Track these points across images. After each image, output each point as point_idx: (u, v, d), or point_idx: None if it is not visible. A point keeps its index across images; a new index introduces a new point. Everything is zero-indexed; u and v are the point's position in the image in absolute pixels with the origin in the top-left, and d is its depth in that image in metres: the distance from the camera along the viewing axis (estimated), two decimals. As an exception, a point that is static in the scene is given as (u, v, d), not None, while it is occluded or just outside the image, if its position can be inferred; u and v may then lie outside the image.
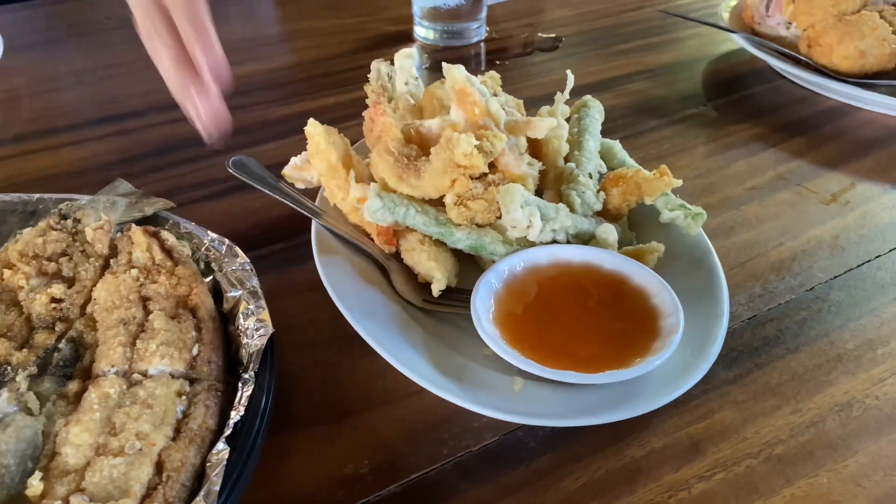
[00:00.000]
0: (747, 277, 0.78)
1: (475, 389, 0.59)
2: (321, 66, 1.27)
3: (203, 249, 0.68)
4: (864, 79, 1.11)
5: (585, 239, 0.71)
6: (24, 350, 0.57)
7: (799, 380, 0.66)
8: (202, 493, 0.46)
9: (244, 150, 0.96)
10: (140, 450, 0.49)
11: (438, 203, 0.69)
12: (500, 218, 0.68)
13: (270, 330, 0.58)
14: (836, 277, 0.78)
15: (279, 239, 0.83)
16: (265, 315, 0.60)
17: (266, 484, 0.56)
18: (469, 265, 0.72)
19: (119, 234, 0.67)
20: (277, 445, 0.58)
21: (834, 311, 0.74)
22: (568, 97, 0.77)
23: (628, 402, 0.57)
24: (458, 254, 0.71)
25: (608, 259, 0.68)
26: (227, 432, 0.50)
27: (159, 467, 0.48)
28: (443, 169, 0.66)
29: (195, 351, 0.57)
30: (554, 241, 0.69)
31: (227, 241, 0.68)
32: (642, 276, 0.66)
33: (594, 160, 0.80)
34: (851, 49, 1.10)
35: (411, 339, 0.63)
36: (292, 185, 0.80)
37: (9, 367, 0.55)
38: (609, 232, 0.70)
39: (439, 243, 0.69)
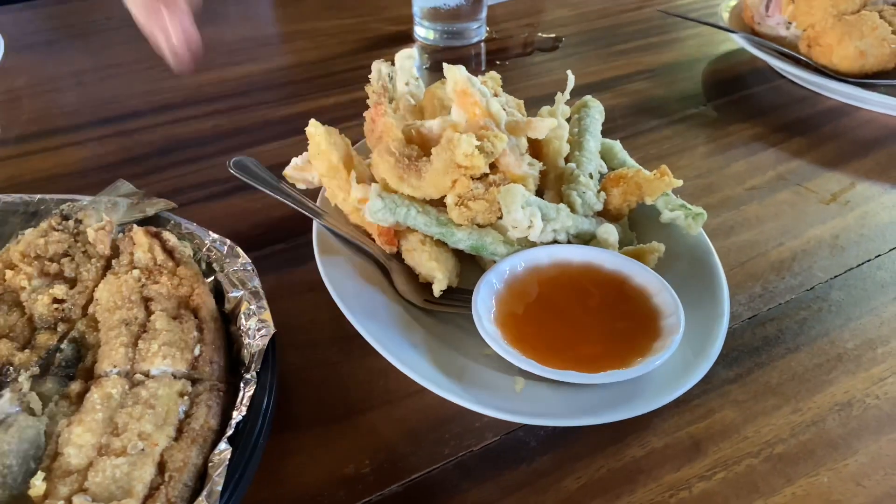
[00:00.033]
0: (747, 277, 0.78)
1: (476, 389, 0.59)
2: (322, 67, 1.27)
3: (204, 250, 0.68)
4: (863, 79, 1.11)
5: (586, 239, 0.71)
6: (27, 351, 0.58)
7: (799, 379, 0.66)
8: (204, 493, 0.46)
9: (245, 151, 0.97)
10: (142, 450, 0.49)
11: (439, 203, 0.69)
12: (500, 218, 0.68)
13: (272, 330, 0.58)
14: (836, 277, 0.78)
15: (280, 239, 0.83)
16: (267, 315, 0.60)
17: (268, 484, 0.56)
18: (470, 265, 0.72)
19: (121, 235, 0.68)
20: (279, 445, 0.58)
21: (834, 311, 0.74)
22: (568, 97, 0.78)
23: (629, 401, 0.57)
24: (459, 254, 0.71)
25: (609, 259, 0.68)
26: (229, 432, 0.51)
27: (161, 467, 0.49)
28: (444, 169, 0.66)
29: (197, 351, 0.57)
30: (555, 242, 0.69)
31: (228, 241, 0.68)
32: (643, 276, 0.66)
33: (595, 160, 0.80)
34: (851, 49, 1.10)
35: (412, 339, 0.64)
36: (293, 185, 0.80)
37: (11, 368, 0.55)
38: (610, 232, 0.70)
39: (440, 244, 0.69)
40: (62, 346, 0.58)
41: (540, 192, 0.74)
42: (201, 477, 0.49)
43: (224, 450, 0.49)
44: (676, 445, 0.60)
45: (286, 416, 0.61)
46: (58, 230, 0.68)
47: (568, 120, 0.81)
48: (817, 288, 0.77)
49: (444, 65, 0.69)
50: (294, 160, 0.79)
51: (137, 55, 1.32)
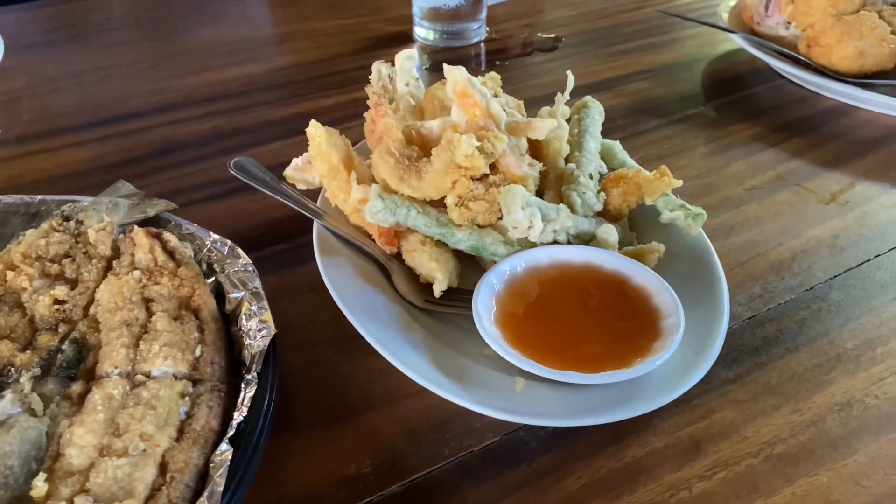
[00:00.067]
0: (747, 277, 0.78)
1: (476, 390, 0.59)
2: (321, 67, 1.27)
3: (205, 251, 0.69)
4: (863, 79, 1.12)
5: (586, 239, 0.71)
6: (28, 351, 0.58)
7: (799, 379, 0.66)
8: (206, 493, 0.47)
9: (245, 152, 0.97)
10: (144, 451, 0.49)
11: (440, 204, 0.70)
12: (501, 219, 0.68)
13: (273, 331, 0.58)
14: (835, 277, 0.78)
15: (281, 240, 0.83)
16: (267, 316, 0.60)
17: (269, 484, 0.57)
18: (470, 266, 0.73)
19: (121, 236, 0.68)
20: (280, 446, 0.58)
21: (833, 311, 0.74)
22: (568, 98, 0.78)
23: (629, 402, 0.57)
24: (459, 254, 0.71)
25: (609, 259, 0.68)
26: (230, 433, 0.51)
27: (163, 468, 0.49)
28: (444, 170, 0.66)
29: (198, 352, 0.57)
30: (555, 242, 0.70)
31: (229, 242, 0.68)
32: (643, 277, 0.66)
33: (594, 161, 0.80)
34: (850, 49, 1.10)
35: (413, 339, 0.64)
36: (294, 186, 0.80)
37: (13, 369, 0.55)
38: (610, 232, 0.70)
39: (440, 244, 0.69)
40: (63, 346, 0.58)
41: (540, 193, 0.75)
42: (202, 477, 0.50)
43: (225, 450, 0.50)
44: (676, 445, 0.60)
45: (287, 417, 0.61)
46: (59, 231, 0.68)
47: (568, 120, 0.81)
48: (817, 288, 0.77)
49: (445, 66, 0.69)
50: (294, 161, 0.79)
51: (137, 56, 1.32)
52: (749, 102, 1.16)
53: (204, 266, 0.67)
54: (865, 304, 0.75)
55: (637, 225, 0.78)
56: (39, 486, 0.47)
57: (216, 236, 0.69)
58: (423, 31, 1.37)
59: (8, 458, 0.48)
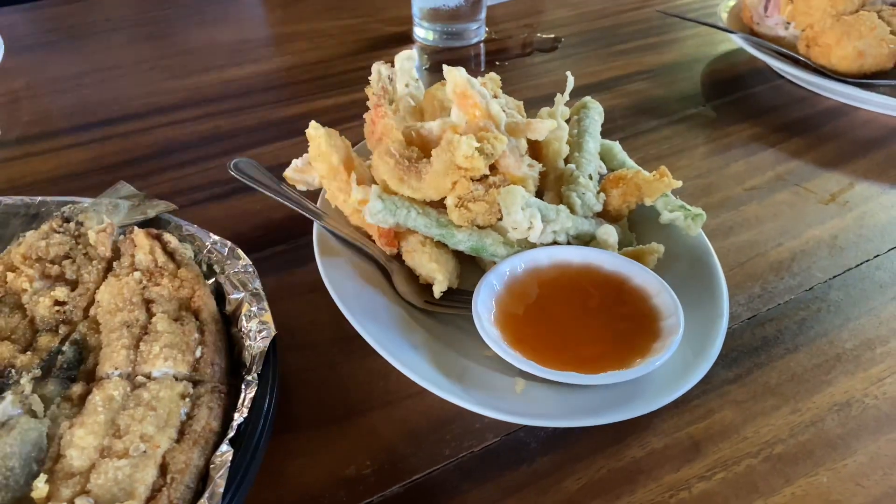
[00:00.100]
0: (747, 278, 0.78)
1: (477, 390, 0.59)
2: (321, 68, 1.27)
3: (205, 252, 0.69)
4: (862, 79, 1.12)
5: (586, 240, 0.71)
6: (28, 353, 0.58)
7: (798, 379, 0.66)
8: (206, 494, 0.47)
9: (245, 152, 0.97)
10: (144, 452, 0.49)
11: (439, 205, 0.70)
12: (500, 219, 0.68)
13: (273, 332, 0.58)
14: (834, 277, 0.78)
15: (281, 241, 0.83)
16: (267, 317, 0.60)
17: (269, 485, 0.57)
18: (470, 266, 0.73)
19: (122, 237, 0.68)
20: (280, 447, 0.58)
21: (833, 311, 0.74)
22: (568, 98, 0.78)
23: (629, 402, 0.57)
24: (459, 255, 0.71)
25: (608, 260, 0.68)
26: (231, 434, 0.51)
27: (163, 469, 0.49)
28: (444, 171, 0.66)
29: (198, 353, 0.58)
30: (554, 243, 0.70)
31: (229, 243, 0.68)
32: (642, 277, 0.66)
33: (594, 161, 0.80)
34: (850, 49, 1.11)
35: (413, 340, 0.64)
36: (293, 187, 0.80)
37: (13, 370, 0.56)
38: (609, 233, 0.70)
39: (440, 245, 0.70)
40: (64, 348, 0.58)
41: (540, 194, 0.75)
42: (203, 478, 0.50)
43: (226, 451, 0.50)
44: (676, 446, 0.60)
45: (287, 418, 0.61)
46: (59, 232, 0.68)
47: (567, 121, 0.81)
48: (816, 288, 0.77)
49: (444, 67, 0.69)
50: (294, 162, 0.79)
51: (138, 56, 1.32)
52: (748, 103, 1.16)
53: (204, 267, 0.67)
54: (864, 304, 0.75)
55: (637, 225, 0.79)
56: (40, 487, 0.47)
57: (216, 237, 0.69)
58: (423, 32, 1.37)
59: (9, 460, 0.48)
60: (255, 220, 0.87)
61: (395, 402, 0.64)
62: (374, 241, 0.73)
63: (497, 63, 1.30)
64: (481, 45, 1.38)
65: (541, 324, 0.64)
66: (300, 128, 0.74)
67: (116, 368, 0.55)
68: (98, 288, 0.63)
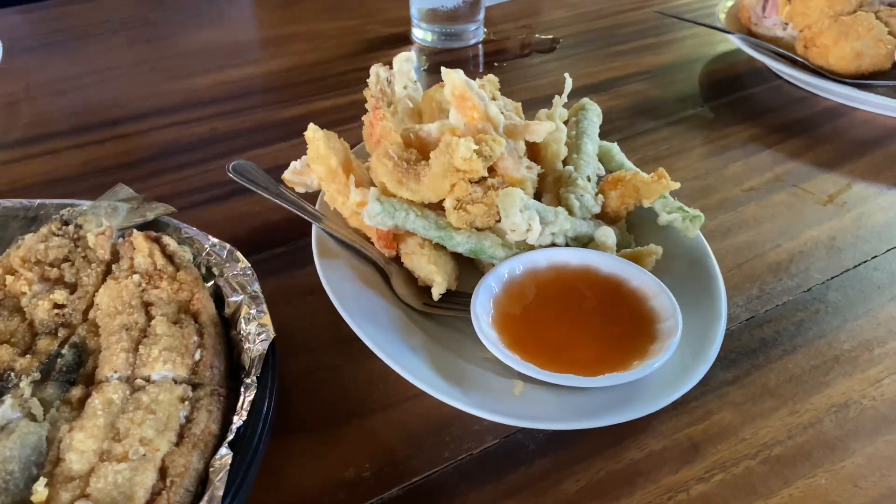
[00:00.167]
0: (745, 279, 0.79)
1: (475, 393, 0.59)
2: (320, 69, 1.27)
3: (204, 254, 0.69)
4: (860, 79, 1.12)
5: (584, 242, 0.71)
6: (28, 356, 0.58)
7: (796, 381, 0.66)
8: (206, 497, 0.47)
9: (244, 154, 0.97)
10: (144, 455, 0.49)
11: (438, 207, 0.70)
12: (499, 221, 0.68)
13: (272, 334, 0.58)
14: (832, 278, 0.79)
15: (280, 243, 0.83)
16: (266, 320, 0.60)
17: (268, 488, 0.57)
18: (469, 269, 0.73)
19: (121, 240, 0.68)
20: (279, 449, 0.58)
21: (831, 312, 0.74)
22: (566, 100, 0.78)
23: (627, 404, 0.57)
24: (457, 257, 0.71)
25: (606, 262, 0.68)
26: (230, 437, 0.51)
27: (163, 473, 0.49)
28: (442, 173, 0.66)
29: (197, 356, 0.58)
30: (553, 245, 0.70)
31: (227, 245, 0.68)
32: (640, 279, 0.66)
33: (592, 163, 0.80)
34: (847, 50, 1.11)
35: (411, 342, 0.64)
36: (292, 189, 0.80)
37: (12, 374, 0.56)
38: (608, 235, 0.70)
39: (439, 247, 0.70)
40: (63, 351, 0.58)
41: (538, 196, 0.75)
42: (203, 482, 0.50)
43: (225, 455, 0.50)
44: (674, 448, 0.60)
45: (286, 420, 0.61)
46: (58, 235, 0.68)
47: (566, 122, 0.81)
48: (814, 289, 0.77)
49: (443, 69, 0.70)
50: (293, 164, 0.79)
51: (136, 58, 1.32)
52: (747, 103, 1.16)
53: (203, 270, 0.68)
54: (862, 305, 0.75)
55: (635, 227, 0.79)
56: (40, 491, 0.47)
57: (215, 240, 0.69)
58: (421, 33, 1.37)
59: (8, 464, 0.48)
60: (254, 223, 0.87)
61: (394, 405, 0.64)
62: (372, 244, 0.73)
63: (495, 64, 1.31)
64: (480, 45, 1.38)
65: (539, 326, 0.64)
66: (299, 129, 0.74)
67: (116, 372, 0.55)
68: (97, 291, 0.63)
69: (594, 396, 0.59)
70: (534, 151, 0.77)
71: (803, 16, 1.18)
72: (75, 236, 0.68)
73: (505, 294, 0.66)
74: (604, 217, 0.76)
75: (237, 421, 0.52)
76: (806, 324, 0.73)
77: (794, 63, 1.17)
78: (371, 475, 0.58)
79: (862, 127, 1.08)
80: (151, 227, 0.72)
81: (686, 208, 0.75)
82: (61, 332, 0.61)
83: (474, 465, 0.59)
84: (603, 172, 0.82)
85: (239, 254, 0.67)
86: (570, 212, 0.71)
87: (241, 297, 0.63)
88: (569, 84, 0.78)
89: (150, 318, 0.60)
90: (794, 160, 1.00)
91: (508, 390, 0.60)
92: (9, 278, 0.64)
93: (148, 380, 0.55)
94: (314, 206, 0.78)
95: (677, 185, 0.73)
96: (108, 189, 0.79)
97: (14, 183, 0.95)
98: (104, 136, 1.06)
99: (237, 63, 1.30)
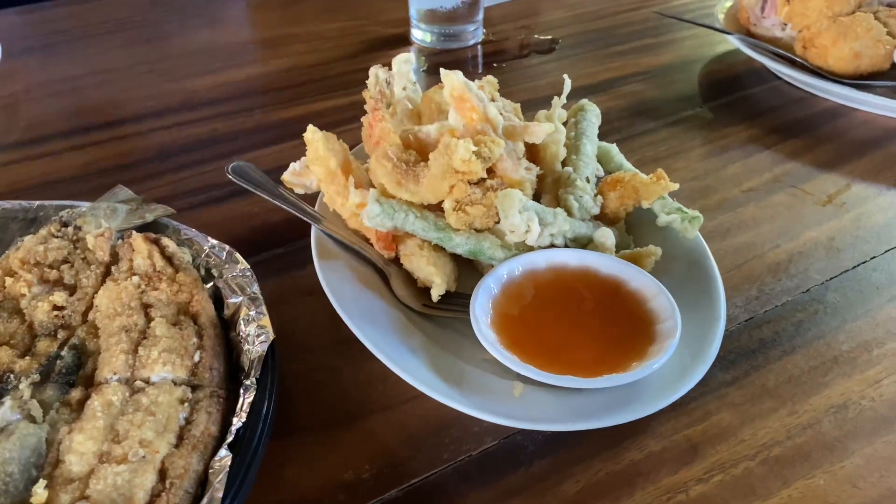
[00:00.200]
0: (744, 280, 0.79)
1: (474, 394, 0.59)
2: (319, 70, 1.27)
3: (203, 256, 0.69)
4: (859, 80, 1.12)
5: (583, 243, 0.72)
6: (27, 358, 0.58)
7: (795, 381, 0.67)
8: (205, 499, 0.47)
9: (243, 156, 0.97)
10: (143, 457, 0.49)
11: (437, 208, 0.70)
12: (498, 223, 0.68)
13: (271, 336, 0.58)
14: (831, 279, 0.79)
15: (279, 244, 0.83)
16: (266, 321, 0.60)
17: (268, 490, 0.57)
18: (468, 270, 0.73)
19: (120, 241, 0.68)
20: (279, 451, 0.58)
21: (830, 313, 0.74)
22: (565, 101, 0.78)
23: (626, 405, 0.57)
24: (457, 258, 0.71)
25: (605, 263, 0.68)
26: (230, 439, 0.51)
27: (163, 474, 0.49)
28: (441, 174, 0.66)
29: (197, 358, 0.58)
30: (552, 246, 0.70)
31: (227, 247, 0.68)
32: (639, 280, 0.66)
33: (591, 164, 0.80)
34: (846, 50, 1.11)
35: (411, 343, 0.64)
36: (291, 190, 0.80)
37: (12, 375, 0.56)
38: (606, 236, 0.70)
39: (438, 248, 0.70)
40: (62, 353, 0.58)
41: (537, 197, 0.75)
42: (202, 483, 0.50)
43: (224, 456, 0.50)
44: (674, 448, 0.60)
45: (286, 422, 0.61)
46: (57, 237, 0.68)
47: (564, 124, 0.81)
48: (813, 290, 0.77)
49: (442, 70, 0.70)
50: (292, 165, 0.79)
51: (135, 59, 1.32)
52: (746, 104, 1.16)
53: (202, 271, 0.68)
54: (861, 306, 0.75)
55: (634, 228, 0.79)
56: (40, 493, 0.47)
57: (214, 241, 0.69)
58: (420, 34, 1.37)
59: (8, 465, 0.48)
60: (253, 224, 0.87)
61: (393, 406, 0.64)
62: (372, 245, 0.73)
63: (494, 65, 1.31)
64: (479, 46, 1.38)
65: (538, 327, 0.64)
66: (298, 131, 0.74)
67: (115, 373, 0.55)
68: (96, 292, 0.63)
69: (593, 398, 0.59)
70: (533, 152, 0.77)
71: (802, 16, 1.18)
72: (75, 238, 0.68)
73: (504, 295, 0.66)
74: (603, 218, 0.76)
75: (237, 422, 0.52)
76: (805, 324, 0.73)
77: (792, 63, 1.17)
78: (370, 476, 0.58)
79: (861, 127, 1.08)
80: (151, 229, 0.72)
81: (685, 209, 0.75)
82: (61, 334, 0.61)
83: (473, 467, 0.59)
84: (602, 173, 0.82)
85: (238, 255, 0.67)
86: (569, 213, 0.71)
87: (241, 298, 0.63)
88: (568, 85, 0.79)
89: (149, 319, 0.60)
90: (793, 161, 1.00)
91: (508, 392, 0.60)
92: (8, 280, 0.64)
93: (147, 381, 0.55)
94: (313, 207, 0.78)
95: (676, 186, 0.73)
96: (107, 190, 0.79)
97: (13, 184, 0.95)
98: (103, 137, 1.06)
99: (236, 64, 1.30)
